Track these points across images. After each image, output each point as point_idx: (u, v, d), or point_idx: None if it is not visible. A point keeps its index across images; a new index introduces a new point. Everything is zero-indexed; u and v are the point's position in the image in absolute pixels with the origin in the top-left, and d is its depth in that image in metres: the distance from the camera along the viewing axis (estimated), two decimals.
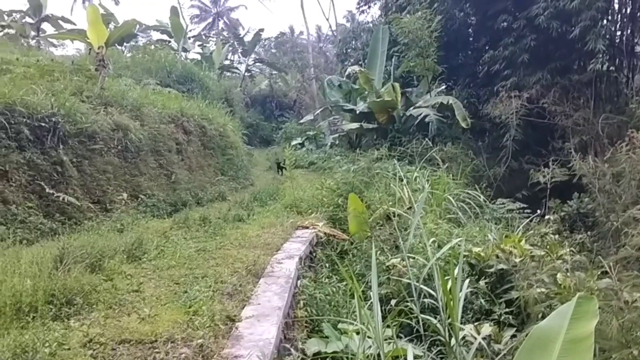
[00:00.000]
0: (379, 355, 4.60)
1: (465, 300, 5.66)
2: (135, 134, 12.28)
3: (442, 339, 5.13)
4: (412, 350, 4.47)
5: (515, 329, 5.90)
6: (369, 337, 4.93)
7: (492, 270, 7.15)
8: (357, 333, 5.30)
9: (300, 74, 44.43)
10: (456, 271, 5.23)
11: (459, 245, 7.05)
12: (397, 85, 21.67)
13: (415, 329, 5.60)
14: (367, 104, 22.07)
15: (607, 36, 16.54)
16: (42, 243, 7.86)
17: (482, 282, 6.86)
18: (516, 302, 6.34)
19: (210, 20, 61.98)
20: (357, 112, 22.73)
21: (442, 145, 17.58)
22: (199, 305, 5.26)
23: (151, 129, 13.42)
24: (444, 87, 24.03)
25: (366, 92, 22.70)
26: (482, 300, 6.65)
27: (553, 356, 2.88)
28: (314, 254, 9.33)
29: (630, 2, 17.91)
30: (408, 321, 5.63)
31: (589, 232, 10.06)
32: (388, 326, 5.19)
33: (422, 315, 5.37)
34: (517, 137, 17.17)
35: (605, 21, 17.24)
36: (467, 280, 5.91)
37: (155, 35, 41.80)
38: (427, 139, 17.81)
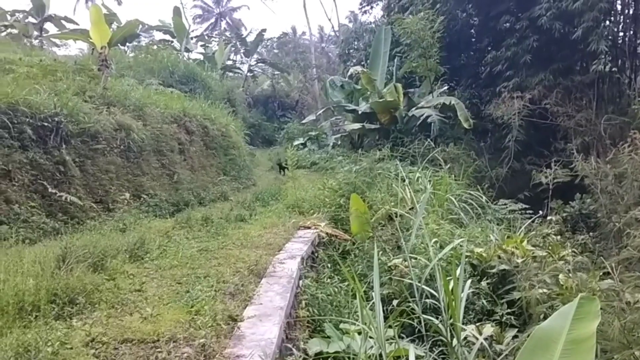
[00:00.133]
0: (380, 355, 4.60)
1: (467, 300, 5.67)
2: (138, 134, 12.31)
3: (443, 339, 5.12)
4: (413, 351, 4.47)
5: (517, 329, 5.90)
6: (370, 338, 4.93)
7: (494, 270, 7.16)
8: (359, 333, 5.30)
9: (303, 74, 44.43)
10: (458, 271, 5.22)
11: (461, 246, 7.05)
12: (399, 85, 21.68)
13: (417, 330, 5.60)
14: (369, 104, 22.08)
15: (610, 37, 16.53)
16: (44, 242, 7.88)
17: (484, 283, 6.86)
18: (518, 303, 6.34)
19: (212, 20, 62.02)
20: (360, 112, 22.74)
21: (444, 145, 17.58)
22: (201, 304, 5.26)
23: (154, 129, 13.44)
24: (446, 87, 24.02)
25: (368, 93, 22.71)
26: (484, 301, 6.65)
27: (555, 357, 2.88)
28: (316, 254, 9.33)
29: (632, 3, 17.90)
30: (410, 321, 5.63)
31: (591, 233, 10.08)
32: (390, 326, 5.18)
33: (424, 316, 5.37)
34: (520, 138, 17.16)
35: (607, 22, 17.23)
36: (469, 281, 5.91)
37: (158, 36, 41.86)
38: (429, 140, 17.82)
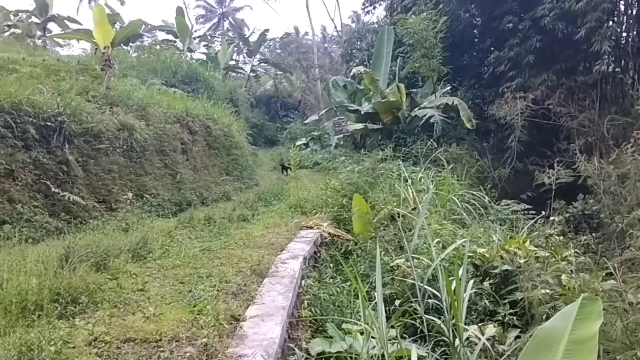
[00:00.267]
0: (382, 355, 4.60)
1: (469, 301, 5.67)
2: (141, 134, 12.33)
3: (446, 339, 5.13)
4: (416, 351, 4.47)
5: (519, 330, 5.91)
6: (373, 338, 4.93)
7: (496, 271, 7.16)
8: (361, 333, 5.30)
9: (305, 74, 44.41)
10: (460, 272, 5.23)
11: (463, 246, 7.05)
12: (402, 86, 21.67)
13: (419, 330, 5.60)
14: (372, 104, 22.08)
15: (613, 37, 16.50)
16: (47, 242, 7.90)
17: (486, 283, 6.87)
18: (520, 303, 6.34)
19: (215, 20, 62.01)
20: (362, 112, 22.74)
21: (446, 146, 17.56)
22: (204, 304, 5.27)
23: (156, 128, 13.46)
24: (449, 88, 24.01)
25: (371, 93, 22.71)
26: (487, 301, 6.65)
27: (557, 357, 2.88)
28: (318, 254, 9.34)
29: (636, 3, 17.86)
30: (412, 322, 5.63)
31: (593, 234, 10.05)
32: (392, 326, 5.19)
33: (426, 316, 5.37)
34: (522, 138, 17.14)
35: (611, 22, 17.17)
36: (472, 281, 5.91)
37: (161, 36, 41.94)
38: (431, 140, 17.81)
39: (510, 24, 18.97)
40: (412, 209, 10.05)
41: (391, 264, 7.70)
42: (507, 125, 17.38)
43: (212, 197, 14.33)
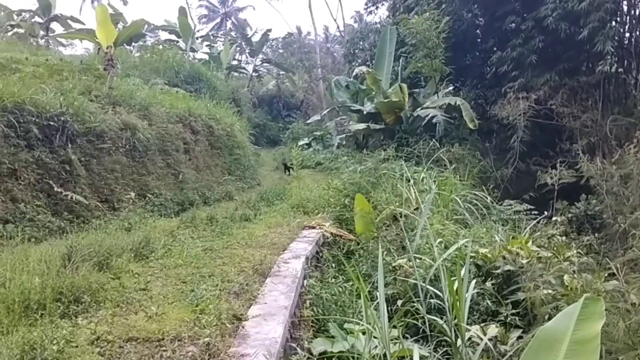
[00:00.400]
0: (385, 355, 4.60)
1: (471, 301, 5.66)
2: (143, 134, 12.34)
3: (448, 339, 5.12)
4: (418, 351, 4.47)
5: (521, 330, 5.91)
6: (375, 337, 4.94)
7: (498, 271, 7.15)
8: (363, 333, 5.30)
9: (308, 74, 44.46)
10: (463, 272, 5.22)
11: (465, 246, 7.05)
12: (404, 86, 21.65)
13: (421, 330, 5.60)
14: (374, 104, 22.07)
15: (616, 38, 16.46)
16: (50, 241, 7.91)
17: (488, 283, 6.86)
18: (523, 304, 6.33)
19: (218, 20, 62.04)
20: (365, 112, 22.73)
21: (449, 146, 17.54)
22: (206, 304, 5.28)
23: (159, 128, 13.48)
24: (451, 88, 23.98)
25: (373, 93, 22.69)
26: (489, 301, 6.65)
27: (559, 357, 2.88)
28: (321, 254, 9.34)
29: (639, 3, 17.83)
30: (414, 322, 5.63)
31: (596, 234, 10.03)
32: (394, 326, 5.19)
33: (429, 316, 5.37)
34: (525, 139, 17.13)
35: (614, 23, 17.16)
36: (474, 281, 5.90)
37: (164, 35, 41.98)
38: (434, 140, 17.79)
39: (513, 24, 18.95)
40: (415, 209, 10.04)
41: (393, 264, 7.70)
42: (510, 125, 17.36)
43: (215, 197, 14.34)
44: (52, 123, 9.67)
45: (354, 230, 10.52)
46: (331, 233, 10.18)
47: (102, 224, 9.26)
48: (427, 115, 19.49)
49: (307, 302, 6.79)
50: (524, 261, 7.05)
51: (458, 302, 4.99)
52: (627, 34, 18.37)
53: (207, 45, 42.89)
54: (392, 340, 4.94)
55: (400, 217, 9.40)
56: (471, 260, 7.04)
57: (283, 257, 7.78)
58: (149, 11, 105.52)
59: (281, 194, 15.26)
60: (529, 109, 16.60)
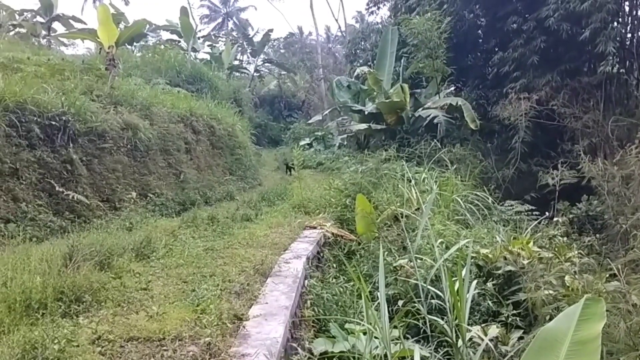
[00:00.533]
0: (385, 355, 4.60)
1: (472, 301, 5.66)
2: (145, 133, 12.35)
3: (449, 340, 5.12)
4: (419, 351, 4.47)
5: (522, 330, 5.90)
6: (375, 338, 4.94)
7: (499, 271, 7.15)
8: (364, 333, 5.31)
9: (309, 74, 44.48)
10: (464, 272, 5.22)
11: (466, 247, 7.05)
12: (405, 86, 21.63)
13: (422, 330, 5.60)
14: (375, 104, 22.06)
15: (618, 38, 16.43)
16: (51, 241, 7.92)
17: (489, 284, 6.86)
18: (524, 304, 6.34)
19: (219, 20, 62.05)
20: (366, 112, 22.72)
21: (450, 146, 17.52)
22: (207, 303, 5.28)
23: (160, 128, 13.49)
24: (453, 88, 23.96)
25: (375, 93, 22.69)
26: (490, 302, 6.65)
27: (560, 358, 2.88)
28: (322, 254, 9.35)
29: None
30: (415, 322, 5.63)
31: (597, 235, 10.04)
32: (395, 327, 5.19)
33: (429, 316, 5.37)
34: (526, 139, 17.10)
35: (615, 23, 17.12)
36: (475, 282, 5.90)
37: (165, 35, 41.99)
38: (435, 140, 17.76)
39: (515, 25, 18.92)
40: (416, 210, 10.05)
41: (394, 264, 7.70)
42: (511, 126, 17.34)
43: (216, 197, 14.35)
44: (53, 123, 9.68)
45: (355, 230, 10.52)
46: (332, 233, 10.18)
47: (104, 224, 9.27)
48: (429, 116, 19.47)
49: (308, 302, 6.79)
50: (525, 262, 7.04)
51: (459, 303, 4.99)
52: (629, 35, 18.34)
53: (208, 45, 42.88)
54: (393, 340, 4.94)
55: (402, 217, 9.40)
56: (472, 260, 7.04)
57: (284, 257, 7.79)
58: (151, 11, 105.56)
59: (282, 194, 15.27)
60: (531, 110, 16.57)
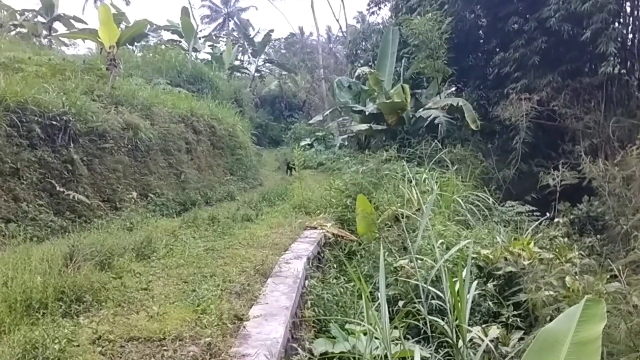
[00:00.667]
0: (386, 356, 4.60)
1: (473, 302, 5.66)
2: (146, 133, 12.36)
3: (449, 340, 5.12)
4: (419, 352, 4.47)
5: (523, 331, 5.90)
6: (376, 338, 4.93)
7: (500, 272, 7.15)
8: (365, 334, 5.31)
9: (310, 74, 44.47)
10: (464, 273, 5.22)
11: (467, 247, 7.05)
12: (406, 86, 21.62)
13: (422, 331, 5.60)
14: (376, 105, 22.05)
15: (619, 39, 16.41)
16: (52, 240, 7.93)
17: (490, 285, 6.86)
18: (524, 305, 6.33)
19: (220, 20, 62.09)
20: (367, 113, 22.72)
21: (451, 147, 17.52)
22: (207, 304, 5.29)
23: (161, 128, 13.50)
24: (453, 88, 23.94)
25: (376, 94, 22.67)
26: (490, 303, 6.65)
27: (560, 359, 2.88)
28: (322, 255, 9.35)
29: None
30: (415, 322, 5.63)
31: (598, 236, 10.03)
32: (395, 327, 5.19)
33: (430, 317, 5.37)
34: (527, 140, 17.08)
35: (616, 24, 17.10)
36: (475, 282, 5.91)
37: (166, 35, 41.95)
38: (436, 141, 17.76)
39: (516, 25, 18.91)
40: (416, 210, 10.05)
41: (395, 265, 7.70)
42: (512, 126, 17.32)
43: (216, 197, 14.36)
44: (54, 122, 9.69)
45: (356, 230, 10.52)
46: (333, 233, 10.18)
47: (104, 224, 9.27)
48: (429, 116, 19.46)
49: (309, 302, 6.80)
50: (526, 262, 7.04)
51: (459, 303, 4.99)
52: (630, 36, 18.32)
53: (209, 46, 42.87)
54: (393, 341, 4.94)
55: (402, 218, 9.40)
56: (473, 261, 7.04)
57: (284, 258, 7.79)
58: (152, 11, 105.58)
59: (283, 194, 15.27)
60: (532, 110, 16.55)
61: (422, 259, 7.19)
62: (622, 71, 17.61)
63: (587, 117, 16.39)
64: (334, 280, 7.74)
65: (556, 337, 2.99)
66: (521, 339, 5.62)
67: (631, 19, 18.08)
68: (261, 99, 42.80)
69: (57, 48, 32.84)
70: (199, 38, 39.23)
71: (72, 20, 35.07)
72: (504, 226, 10.54)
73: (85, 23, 34.47)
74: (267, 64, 47.03)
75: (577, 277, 6.10)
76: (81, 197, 9.46)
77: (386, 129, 21.78)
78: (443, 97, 21.30)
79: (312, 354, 5.49)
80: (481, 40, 23.51)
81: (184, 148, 14.51)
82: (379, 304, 5.03)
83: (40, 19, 35.11)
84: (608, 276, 5.88)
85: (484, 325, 5.69)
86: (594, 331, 2.92)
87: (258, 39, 43.47)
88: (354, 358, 5.18)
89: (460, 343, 4.96)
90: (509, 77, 18.80)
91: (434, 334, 5.43)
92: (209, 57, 38.62)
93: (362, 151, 21.07)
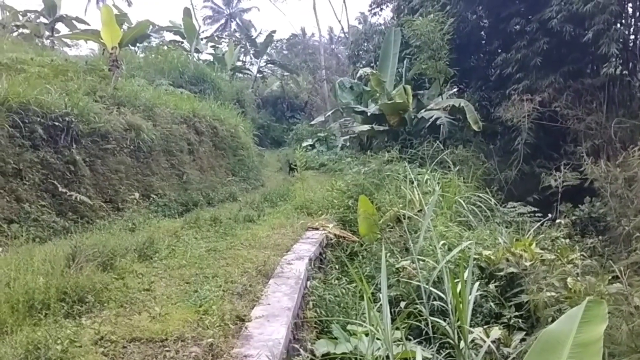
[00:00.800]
0: (387, 357, 4.60)
1: (474, 303, 5.66)
2: (148, 134, 12.37)
3: (451, 341, 5.12)
4: (421, 353, 4.47)
5: (524, 332, 5.90)
6: (378, 339, 4.94)
7: (502, 273, 7.15)
8: (366, 335, 5.31)
9: (312, 75, 44.38)
10: (466, 274, 5.22)
11: (469, 248, 7.03)
12: (408, 87, 21.60)
13: (424, 332, 5.60)
14: (378, 106, 22.04)
15: (621, 40, 16.39)
16: (54, 241, 7.94)
17: (492, 286, 6.86)
18: (526, 306, 6.33)
19: (222, 21, 62.15)
20: (368, 114, 22.71)
21: (453, 148, 17.50)
22: (209, 304, 5.29)
23: (163, 129, 13.52)
24: (455, 89, 23.94)
25: (377, 94, 22.66)
26: (492, 304, 6.65)
27: None
28: (324, 256, 9.34)
29: None
30: (417, 323, 5.63)
31: (600, 237, 10.01)
32: (397, 328, 5.19)
33: (432, 318, 5.36)
34: (529, 141, 17.07)
35: (619, 25, 17.08)
36: (477, 283, 5.90)
37: (168, 36, 41.94)
38: (438, 142, 17.76)
39: (518, 26, 18.90)
40: (418, 211, 10.05)
41: (397, 266, 7.70)
42: (514, 127, 17.31)
43: (218, 198, 14.36)
44: (57, 123, 9.71)
45: (358, 231, 10.52)
46: (335, 234, 10.18)
47: (106, 224, 9.29)
48: (431, 117, 19.47)
49: (310, 303, 6.80)
50: (528, 263, 7.05)
51: (461, 304, 4.99)
52: (632, 37, 18.30)
53: (211, 46, 42.89)
54: (395, 342, 4.94)
55: (404, 218, 9.40)
56: (474, 262, 7.03)
57: (286, 259, 7.79)
58: (154, 12, 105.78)
59: (285, 195, 15.26)
60: (533, 111, 16.54)
61: (423, 260, 7.19)
62: (624, 72, 17.59)
63: (589, 118, 16.37)
64: (336, 281, 7.74)
65: (558, 338, 2.99)
66: (523, 340, 5.62)
67: (633, 20, 18.07)
68: (263, 99, 42.78)
69: (59, 49, 32.93)
70: (201, 39, 39.27)
71: (74, 21, 35.10)
72: (506, 227, 10.53)
73: (88, 24, 34.51)
74: (269, 65, 47.00)
75: (578, 278, 6.10)
76: (83, 197, 9.48)
77: (388, 129, 21.78)
78: (445, 98, 21.30)
79: (314, 355, 5.49)
80: (483, 41, 23.51)
81: (186, 149, 14.52)
82: (380, 304, 5.03)
83: (42, 19, 35.14)
84: (610, 277, 5.88)
85: (485, 326, 5.69)
86: (595, 332, 2.92)
87: (260, 39, 43.43)
88: (356, 359, 5.19)
89: (462, 344, 4.96)
90: (510, 78, 18.80)
91: (435, 335, 5.43)
92: (211, 58, 38.63)
93: (364, 152, 21.07)
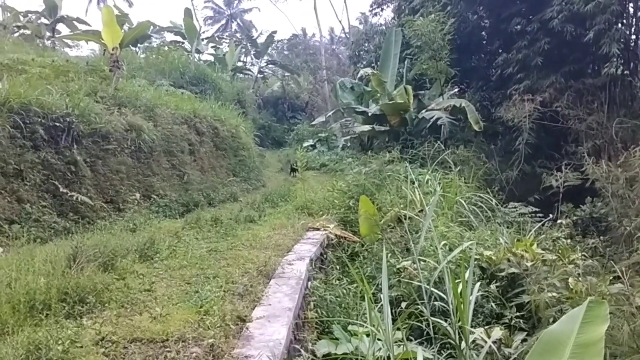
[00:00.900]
0: (388, 357, 4.60)
1: (475, 303, 5.66)
2: (149, 135, 12.38)
3: (452, 342, 5.11)
4: (422, 353, 4.47)
5: (526, 333, 5.90)
6: (379, 339, 4.93)
7: (503, 273, 7.15)
8: (367, 335, 5.31)
9: (313, 75, 44.37)
10: (467, 274, 5.21)
11: (470, 249, 7.03)
12: (409, 87, 21.61)
13: (425, 332, 5.59)
14: (379, 106, 22.04)
15: (622, 40, 16.38)
16: (55, 242, 7.94)
17: (493, 286, 6.86)
18: (527, 306, 6.33)
19: (223, 22, 62.17)
20: (369, 114, 22.71)
21: (454, 148, 17.49)
22: (210, 305, 5.29)
23: (164, 129, 13.52)
24: (456, 90, 23.93)
25: (378, 95, 22.67)
26: (493, 304, 6.64)
27: None
28: (325, 256, 9.34)
29: None
30: (418, 324, 5.62)
31: (601, 237, 10.00)
32: (398, 329, 5.18)
33: (433, 318, 5.35)
34: (530, 141, 17.06)
35: (620, 25, 17.07)
36: (478, 284, 5.90)
37: (169, 37, 41.97)
38: (439, 142, 17.74)
39: (519, 26, 18.90)
40: (419, 211, 10.05)
41: (397, 266, 7.70)
42: (515, 127, 17.30)
43: (219, 198, 14.36)
44: (57, 124, 9.71)
45: (359, 232, 10.51)
46: (335, 235, 10.18)
47: (107, 225, 9.29)
48: (432, 117, 19.46)
49: (311, 303, 6.79)
50: (529, 264, 7.04)
51: (462, 305, 4.98)
52: (633, 37, 18.29)
53: (212, 47, 42.90)
54: (396, 342, 4.93)
55: (405, 219, 9.39)
56: (476, 262, 7.04)
57: (287, 259, 7.79)
58: (155, 13, 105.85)
59: (286, 196, 15.26)
60: (534, 111, 16.53)
61: (424, 260, 7.19)
62: (625, 72, 17.59)
63: (590, 118, 16.36)
64: (337, 282, 7.74)
65: (559, 338, 2.99)
66: (524, 340, 5.62)
67: (634, 20, 18.07)
68: (264, 100, 42.77)
69: (60, 49, 32.91)
70: (202, 39, 39.31)
71: (75, 22, 35.12)
72: (507, 227, 10.52)
73: (89, 25, 34.53)
74: (270, 65, 47.01)
75: (580, 278, 6.09)
76: (84, 198, 9.48)
77: (389, 130, 21.79)
78: (446, 98, 21.29)
79: (315, 355, 5.49)
80: (484, 42, 23.51)
81: (187, 149, 14.52)
82: (381, 305, 5.03)
83: (43, 20, 35.15)
84: (611, 277, 5.88)
85: (486, 327, 5.69)
86: (597, 333, 2.92)
87: (261, 40, 43.43)
88: (357, 359, 5.18)
89: (463, 344, 4.95)
90: (511, 78, 18.79)
91: (436, 336, 5.43)
92: (211, 58, 38.65)
93: (364, 152, 21.07)
